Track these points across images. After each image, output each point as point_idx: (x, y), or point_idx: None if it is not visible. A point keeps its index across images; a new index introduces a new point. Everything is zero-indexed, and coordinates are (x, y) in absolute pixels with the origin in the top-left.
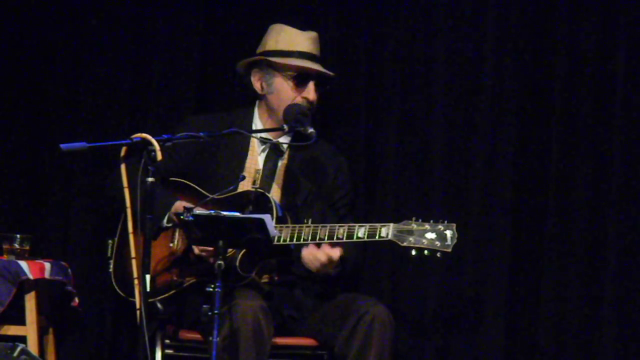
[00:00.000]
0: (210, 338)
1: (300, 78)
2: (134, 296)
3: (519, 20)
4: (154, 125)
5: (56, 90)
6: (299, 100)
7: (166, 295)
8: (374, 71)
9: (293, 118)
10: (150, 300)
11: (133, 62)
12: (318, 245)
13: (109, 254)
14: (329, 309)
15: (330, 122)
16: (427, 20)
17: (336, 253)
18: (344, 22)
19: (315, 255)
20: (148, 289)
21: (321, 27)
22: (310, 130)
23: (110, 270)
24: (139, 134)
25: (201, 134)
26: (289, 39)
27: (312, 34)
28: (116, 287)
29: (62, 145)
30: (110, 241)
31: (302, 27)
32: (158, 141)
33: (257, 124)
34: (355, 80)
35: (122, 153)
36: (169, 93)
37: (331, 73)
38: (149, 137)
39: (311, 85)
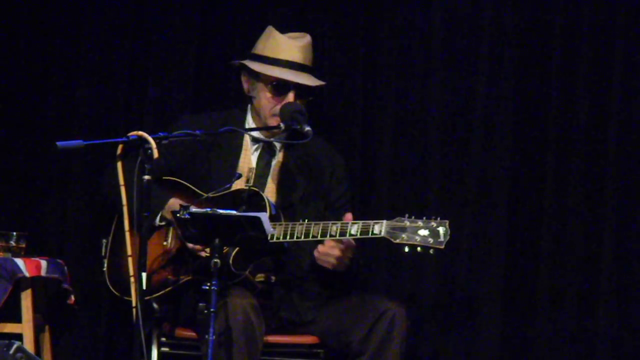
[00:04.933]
0: (207, 336)
1: (278, 87)
2: (128, 295)
3: (515, 22)
4: (150, 124)
5: (53, 88)
6: (276, 109)
7: (161, 293)
8: (371, 67)
9: (289, 116)
10: (145, 298)
11: (129, 60)
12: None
13: (102, 253)
14: (342, 306)
15: (325, 119)
16: (423, 18)
17: (351, 242)
18: (340, 22)
19: (327, 251)
20: (144, 287)
21: (317, 27)
22: (307, 128)
23: (104, 269)
24: (135, 132)
25: (197, 132)
26: (275, 46)
27: (303, 41)
28: (110, 287)
29: (58, 143)
30: (104, 240)
31: (298, 28)
32: (154, 139)
33: (249, 123)
34: (352, 77)
35: (119, 151)
36: (165, 91)
37: (312, 84)
38: (145, 135)
39: (291, 96)
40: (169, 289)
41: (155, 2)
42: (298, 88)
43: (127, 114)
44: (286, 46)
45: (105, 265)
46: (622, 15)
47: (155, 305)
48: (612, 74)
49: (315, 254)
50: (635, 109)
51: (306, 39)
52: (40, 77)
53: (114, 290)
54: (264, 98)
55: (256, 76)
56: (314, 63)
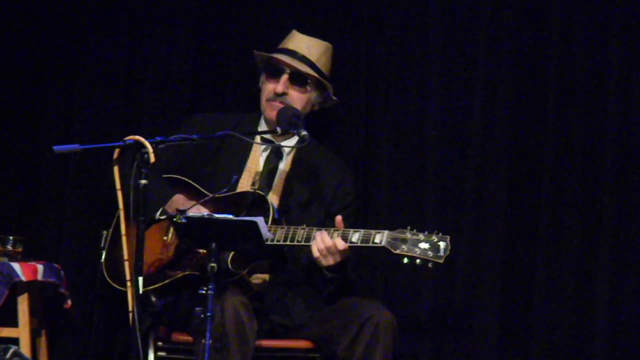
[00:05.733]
0: (203, 341)
1: (271, 68)
2: (124, 286)
3: (513, 30)
4: (148, 128)
5: (51, 91)
6: (271, 95)
7: (159, 285)
8: (371, 79)
9: (286, 121)
10: (143, 289)
11: (127, 64)
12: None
13: (102, 245)
14: (330, 312)
15: (326, 129)
16: (423, 29)
17: (342, 243)
18: (342, 31)
19: (324, 239)
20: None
21: (320, 36)
22: (304, 132)
23: (102, 260)
24: (132, 136)
25: (194, 136)
26: (288, 39)
27: (317, 41)
28: (107, 278)
29: (55, 147)
30: (104, 232)
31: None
32: (151, 143)
33: (262, 126)
34: (353, 89)
35: (116, 155)
36: (162, 95)
37: (302, 69)
38: (142, 139)
39: (284, 78)
40: (167, 281)
41: (154, 5)
42: (294, 75)
43: (125, 118)
44: (295, 39)
45: (104, 256)
46: (618, 17)
47: (153, 299)
48: (610, 74)
49: (318, 235)
50: (633, 111)
51: (323, 42)
52: (39, 81)
53: (111, 282)
54: (263, 84)
55: (261, 65)
56: (330, 72)
